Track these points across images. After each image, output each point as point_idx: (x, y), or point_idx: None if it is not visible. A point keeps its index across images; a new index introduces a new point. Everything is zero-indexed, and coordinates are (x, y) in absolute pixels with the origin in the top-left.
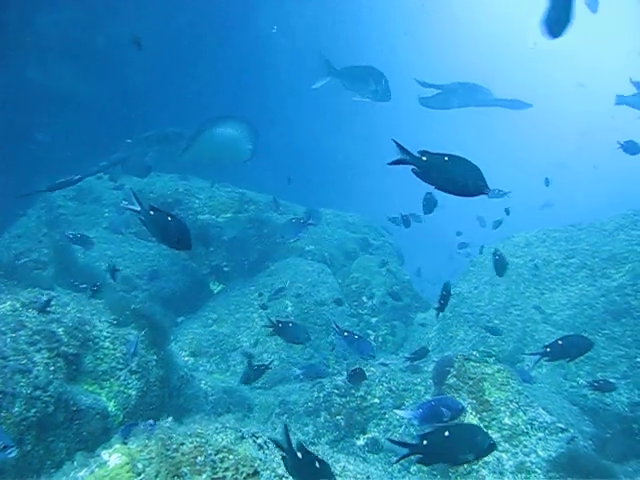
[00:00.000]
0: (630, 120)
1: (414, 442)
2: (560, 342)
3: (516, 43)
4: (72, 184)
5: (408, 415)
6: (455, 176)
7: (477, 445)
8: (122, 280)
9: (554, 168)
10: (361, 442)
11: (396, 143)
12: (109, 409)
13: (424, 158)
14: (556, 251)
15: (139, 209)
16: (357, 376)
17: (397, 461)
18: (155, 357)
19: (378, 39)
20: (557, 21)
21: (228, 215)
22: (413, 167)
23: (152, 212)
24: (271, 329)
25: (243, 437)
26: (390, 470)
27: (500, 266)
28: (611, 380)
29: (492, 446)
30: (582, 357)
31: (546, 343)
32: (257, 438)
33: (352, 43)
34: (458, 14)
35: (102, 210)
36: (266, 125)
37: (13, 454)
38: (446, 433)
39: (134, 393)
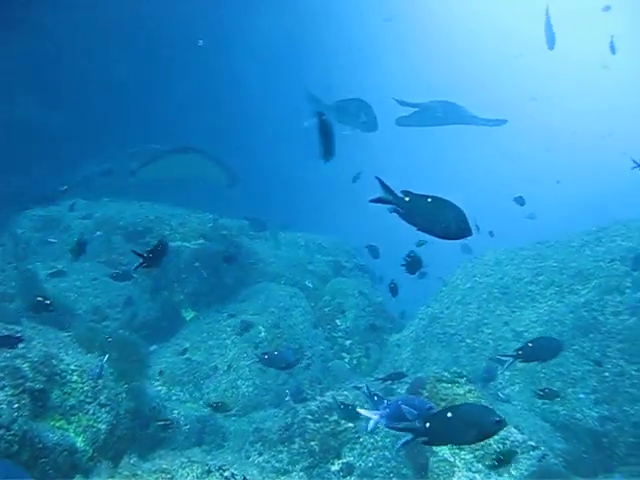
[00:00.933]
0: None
1: (418, 426)
2: (530, 345)
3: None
4: (61, 196)
5: (374, 415)
6: (438, 218)
7: (483, 424)
8: (92, 310)
9: (528, 182)
10: (336, 467)
11: (380, 181)
12: (77, 445)
13: (407, 199)
14: (525, 269)
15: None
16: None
17: (402, 445)
18: (126, 388)
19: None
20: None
21: (200, 241)
22: (395, 207)
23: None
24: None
25: (209, 471)
26: None
27: (412, 266)
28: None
29: (499, 423)
30: (554, 373)
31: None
32: (224, 471)
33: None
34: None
35: (70, 240)
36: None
37: None
38: (449, 414)
39: (104, 427)
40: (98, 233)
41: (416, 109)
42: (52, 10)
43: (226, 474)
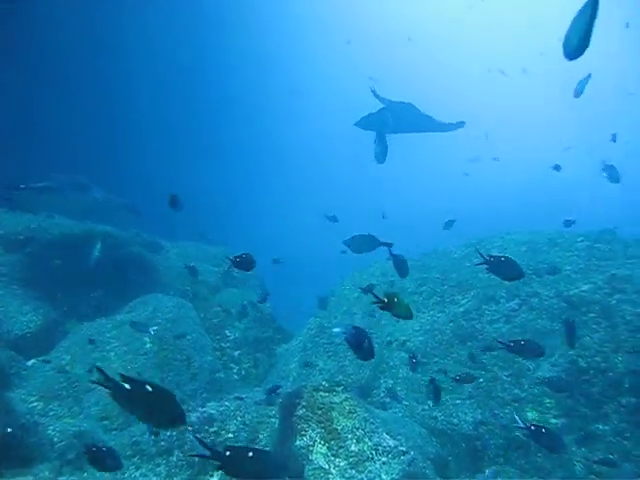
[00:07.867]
0: None
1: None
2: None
3: None
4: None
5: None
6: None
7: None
8: None
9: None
10: (215, 479)
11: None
12: None
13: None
14: (409, 279)
15: None
16: None
17: None
18: None
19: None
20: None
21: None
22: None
23: None
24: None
25: None
26: None
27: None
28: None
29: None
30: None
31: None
32: None
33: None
34: None
35: None
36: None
37: None
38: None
39: None
40: None
41: (379, 107)
42: None
43: None
